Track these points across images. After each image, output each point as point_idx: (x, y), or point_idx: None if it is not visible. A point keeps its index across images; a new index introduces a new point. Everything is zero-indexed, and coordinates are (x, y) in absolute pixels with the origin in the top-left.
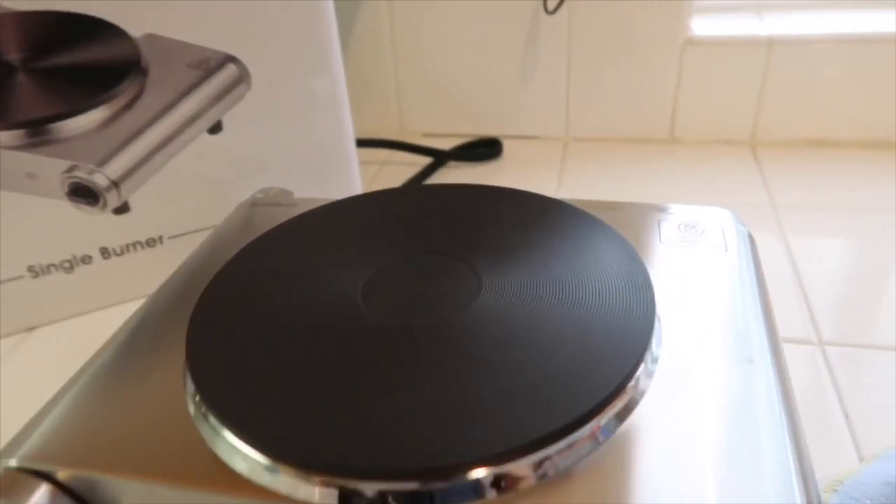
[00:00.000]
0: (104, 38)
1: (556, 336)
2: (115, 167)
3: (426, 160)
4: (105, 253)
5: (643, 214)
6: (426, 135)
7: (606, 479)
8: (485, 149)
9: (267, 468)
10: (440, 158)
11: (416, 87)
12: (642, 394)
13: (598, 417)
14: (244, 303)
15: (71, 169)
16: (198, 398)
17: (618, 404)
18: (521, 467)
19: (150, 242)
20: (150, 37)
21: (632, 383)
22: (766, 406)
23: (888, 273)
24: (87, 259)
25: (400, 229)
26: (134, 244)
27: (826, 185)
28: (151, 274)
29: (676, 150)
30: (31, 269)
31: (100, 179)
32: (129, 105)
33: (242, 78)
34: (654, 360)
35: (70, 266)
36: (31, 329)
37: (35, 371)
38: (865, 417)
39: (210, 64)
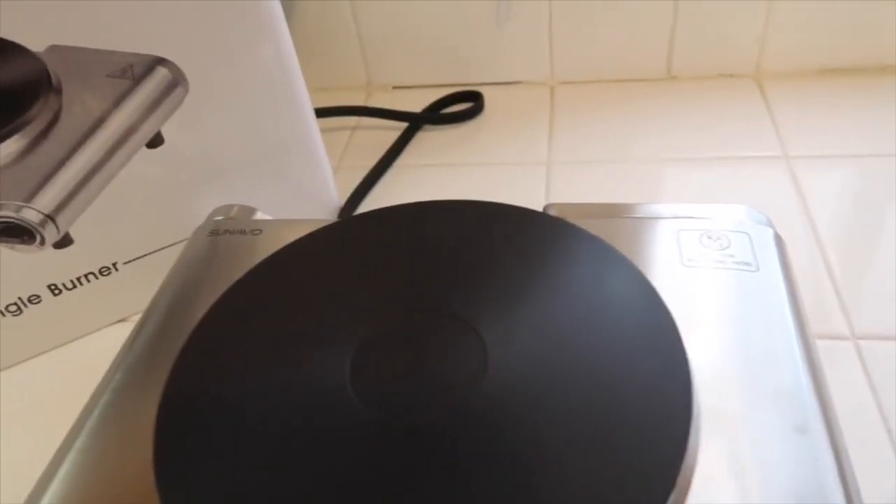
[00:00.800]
0: (0, 60)
1: (579, 425)
2: (46, 200)
3: (399, 122)
4: (55, 290)
5: (658, 224)
6: (397, 87)
7: None
8: (463, 105)
9: None
10: (414, 122)
11: (380, 35)
12: (685, 492)
13: None
14: (213, 404)
15: None
16: None
17: None
18: None
19: (104, 271)
20: (56, 49)
21: (674, 485)
22: (822, 494)
23: None
24: (35, 299)
25: (378, 278)
26: (86, 276)
27: (843, 124)
28: (109, 302)
29: (675, 88)
30: None
31: (31, 215)
32: (48, 129)
33: (177, 81)
34: (696, 440)
35: (18, 309)
36: None
37: (2, 418)
38: None
39: (135, 70)
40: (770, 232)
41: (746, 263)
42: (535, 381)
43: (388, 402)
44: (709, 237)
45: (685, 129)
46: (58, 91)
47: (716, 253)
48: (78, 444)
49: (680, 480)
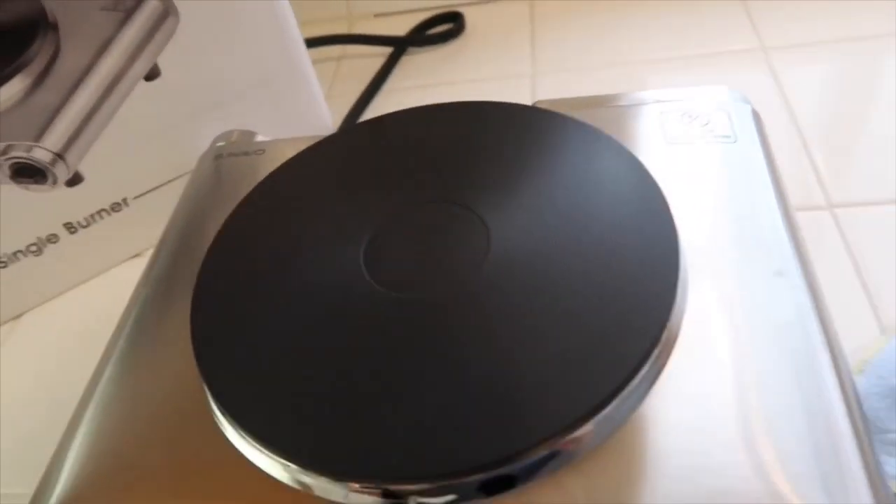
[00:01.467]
0: None
1: (579, 287)
2: (54, 138)
3: (384, 49)
4: (71, 228)
5: (642, 109)
6: (378, 15)
7: (661, 427)
8: (444, 26)
9: (300, 475)
10: (399, 46)
11: None
12: (676, 335)
13: (641, 371)
14: (243, 292)
15: (6, 150)
16: (219, 411)
17: (655, 353)
18: (576, 438)
19: (115, 207)
20: None
21: (665, 332)
22: (802, 326)
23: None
24: (53, 238)
25: (383, 175)
26: (99, 213)
27: (817, 13)
28: (123, 238)
29: None
30: None
31: (41, 154)
32: (49, 67)
33: (168, 10)
34: (685, 288)
35: (38, 249)
36: (17, 317)
37: (31, 356)
38: (883, 283)
39: (127, 2)
40: (747, 108)
41: (725, 136)
42: (535, 253)
43: (401, 280)
44: (689, 116)
45: (664, 31)
46: (55, 27)
47: (696, 129)
48: (117, 350)
49: (669, 326)
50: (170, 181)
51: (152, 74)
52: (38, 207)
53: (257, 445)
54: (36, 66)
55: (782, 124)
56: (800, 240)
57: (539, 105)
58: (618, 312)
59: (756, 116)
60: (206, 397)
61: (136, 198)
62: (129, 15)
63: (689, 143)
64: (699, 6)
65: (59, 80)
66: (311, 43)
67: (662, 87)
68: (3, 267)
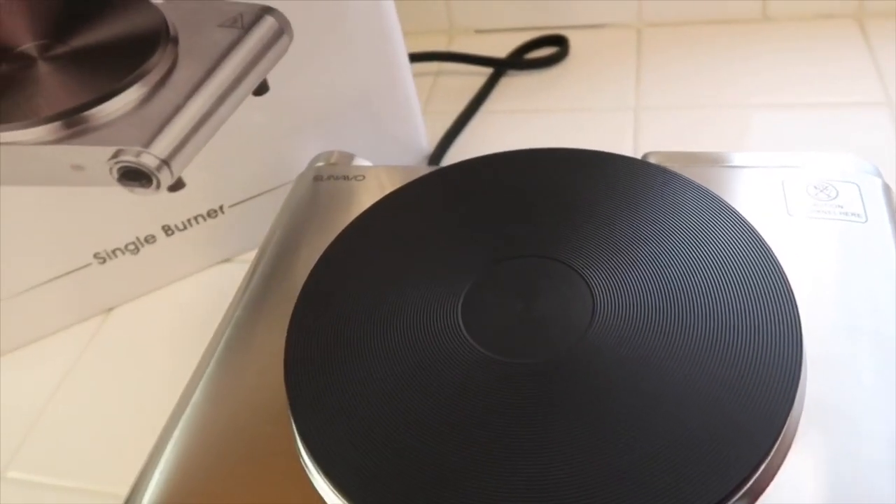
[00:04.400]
0: (124, 11)
1: (689, 372)
2: (163, 145)
3: (483, 67)
4: (168, 230)
5: (762, 173)
6: (479, 31)
7: None
8: (548, 49)
9: None
10: (499, 68)
11: None
12: (791, 441)
13: (753, 477)
14: (338, 340)
15: (117, 154)
16: (311, 464)
17: (768, 460)
18: None
19: (212, 213)
20: (173, 0)
21: (771, 455)
22: None
23: None
24: (150, 239)
25: (482, 224)
26: (195, 218)
27: None
28: (216, 243)
29: (770, 31)
30: (97, 255)
31: (149, 160)
32: (165, 78)
33: (283, 29)
34: (804, 387)
35: (136, 248)
36: (108, 310)
37: (118, 348)
38: None
39: (244, 20)
40: (879, 182)
41: (855, 214)
42: (641, 330)
43: (499, 343)
44: (815, 187)
45: (780, 74)
46: (175, 41)
47: (823, 203)
48: (206, 374)
49: (786, 430)
50: (266, 192)
51: (261, 89)
52: (139, 209)
53: (343, 500)
54: (153, 77)
55: None
56: None
57: (650, 157)
58: (728, 411)
59: (888, 192)
60: (297, 442)
61: (232, 206)
62: (245, 32)
63: (815, 217)
64: (823, 50)
65: (174, 90)
66: (410, 58)
67: (771, 135)
68: (102, 263)
